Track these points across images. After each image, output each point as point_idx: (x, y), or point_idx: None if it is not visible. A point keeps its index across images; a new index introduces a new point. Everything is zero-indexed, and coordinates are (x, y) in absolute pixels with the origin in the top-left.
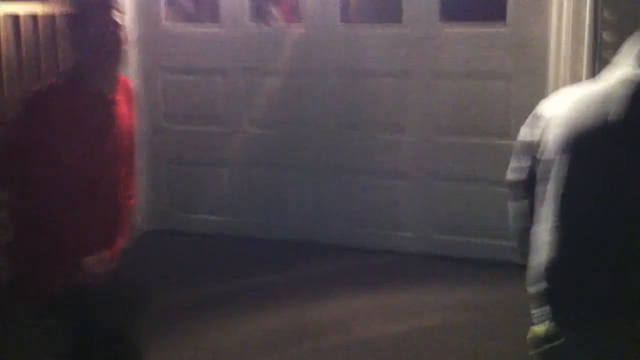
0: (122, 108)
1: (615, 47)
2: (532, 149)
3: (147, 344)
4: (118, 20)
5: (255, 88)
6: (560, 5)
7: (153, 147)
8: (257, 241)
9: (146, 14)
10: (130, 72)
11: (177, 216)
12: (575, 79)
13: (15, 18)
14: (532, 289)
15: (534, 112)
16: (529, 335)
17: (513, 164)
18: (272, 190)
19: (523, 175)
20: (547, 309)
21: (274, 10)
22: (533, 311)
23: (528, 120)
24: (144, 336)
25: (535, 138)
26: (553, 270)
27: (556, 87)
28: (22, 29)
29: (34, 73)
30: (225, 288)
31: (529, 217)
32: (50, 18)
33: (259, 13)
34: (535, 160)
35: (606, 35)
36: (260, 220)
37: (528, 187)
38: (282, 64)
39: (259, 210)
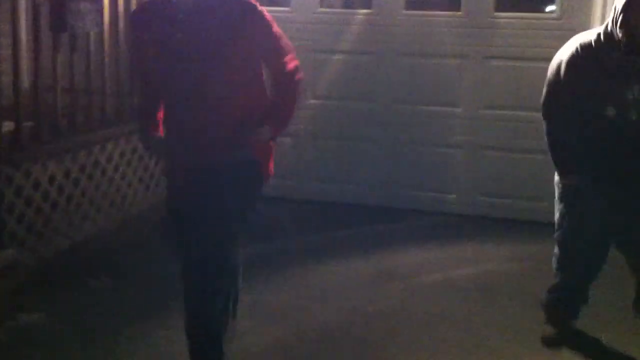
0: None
1: None
2: None
3: (257, 285)
4: None
5: (323, 66)
6: None
7: None
8: (330, 204)
9: None
10: None
11: None
12: None
13: None
14: None
15: None
16: None
17: None
18: (338, 159)
19: None
20: None
21: None
22: None
23: None
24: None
25: None
26: None
27: None
28: None
29: None
30: (314, 241)
31: None
32: None
33: None
34: None
35: None
36: (330, 186)
37: None
38: (350, 45)
39: (328, 176)
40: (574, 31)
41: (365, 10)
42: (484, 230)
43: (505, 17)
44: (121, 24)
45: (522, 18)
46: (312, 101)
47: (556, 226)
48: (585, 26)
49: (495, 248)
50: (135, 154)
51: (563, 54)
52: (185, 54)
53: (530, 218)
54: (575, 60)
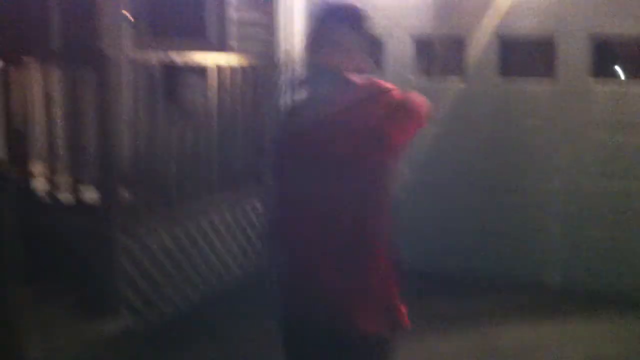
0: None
1: None
2: None
3: None
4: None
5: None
6: None
7: None
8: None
9: None
10: None
11: None
12: None
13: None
14: None
15: None
16: None
17: None
18: (431, 227)
19: None
20: None
21: None
22: None
23: None
24: None
25: None
26: None
27: None
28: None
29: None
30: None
31: None
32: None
33: None
34: None
35: None
36: (426, 254)
37: None
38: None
39: (426, 244)
40: None
41: (459, 77)
42: (592, 307)
43: (603, 83)
44: (227, 97)
45: (620, 85)
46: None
47: None
48: None
49: (609, 326)
50: (237, 223)
51: None
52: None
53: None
54: None
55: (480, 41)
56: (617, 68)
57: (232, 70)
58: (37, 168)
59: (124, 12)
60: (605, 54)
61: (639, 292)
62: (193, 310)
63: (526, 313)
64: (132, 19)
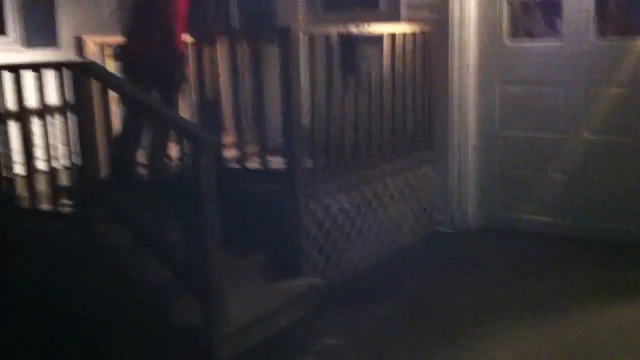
0: None
1: None
2: None
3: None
4: None
5: (594, 98)
6: None
7: (487, 152)
8: (590, 242)
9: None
10: (470, 85)
11: (506, 216)
12: None
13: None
14: None
15: None
16: None
17: None
18: (606, 193)
19: None
20: None
21: None
22: None
23: None
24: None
25: None
26: None
27: None
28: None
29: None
30: (578, 283)
31: None
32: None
33: None
34: None
35: None
36: (591, 222)
37: None
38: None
39: (591, 212)
40: None
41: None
42: None
43: None
44: (401, 65)
45: None
46: (582, 134)
47: None
48: None
49: None
50: (407, 187)
51: None
52: None
53: None
54: None
55: None
56: None
57: (405, 38)
58: (228, 139)
59: None
60: None
61: None
62: (366, 272)
63: None
64: None
